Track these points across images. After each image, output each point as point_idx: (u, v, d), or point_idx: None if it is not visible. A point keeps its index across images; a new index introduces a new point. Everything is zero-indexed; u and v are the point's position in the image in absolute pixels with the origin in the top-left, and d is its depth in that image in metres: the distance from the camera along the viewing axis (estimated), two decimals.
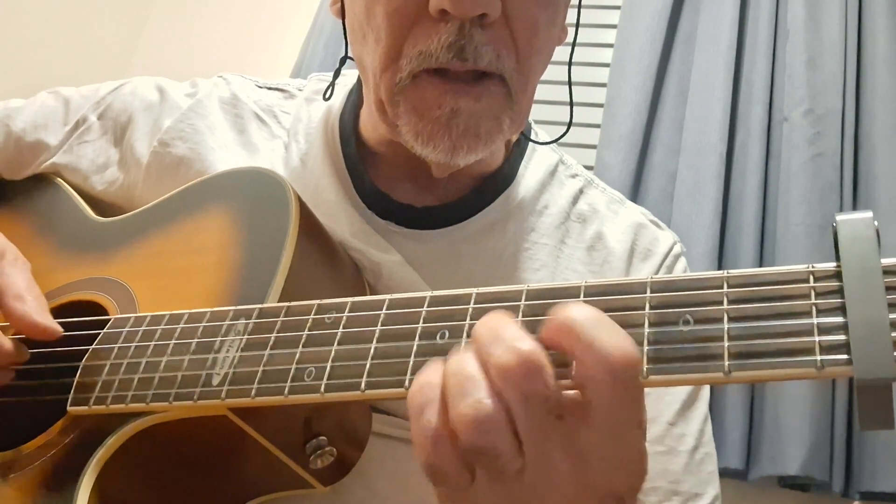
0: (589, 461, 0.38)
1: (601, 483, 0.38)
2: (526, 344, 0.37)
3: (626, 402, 0.37)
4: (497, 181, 0.71)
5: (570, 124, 0.72)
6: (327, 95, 0.73)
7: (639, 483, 0.40)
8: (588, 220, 0.73)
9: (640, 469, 0.40)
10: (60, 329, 0.59)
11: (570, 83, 0.72)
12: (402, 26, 0.59)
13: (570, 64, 0.73)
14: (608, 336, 0.37)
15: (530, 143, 0.75)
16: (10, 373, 0.59)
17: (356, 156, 0.70)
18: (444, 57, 0.57)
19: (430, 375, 0.40)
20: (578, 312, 0.37)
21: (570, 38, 0.72)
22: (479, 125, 0.60)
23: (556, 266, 0.70)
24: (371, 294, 0.64)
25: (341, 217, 0.67)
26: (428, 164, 0.67)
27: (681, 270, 0.74)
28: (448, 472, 0.38)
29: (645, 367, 0.38)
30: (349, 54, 0.69)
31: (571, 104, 0.72)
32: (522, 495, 0.38)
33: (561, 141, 0.76)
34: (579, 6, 0.71)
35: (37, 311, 0.58)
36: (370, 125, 0.70)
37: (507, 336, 0.38)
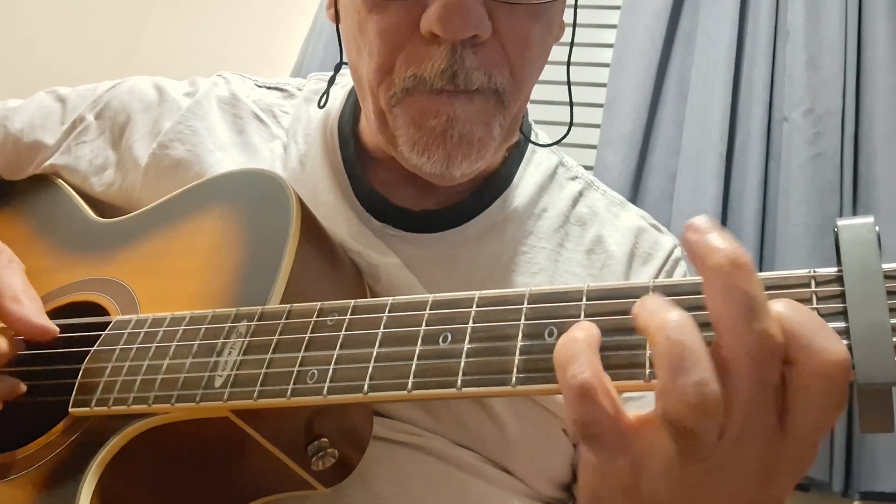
0: (776, 465, 0.36)
1: (776, 489, 0.37)
2: (775, 326, 0.34)
3: (830, 416, 0.35)
4: (495, 184, 0.70)
5: (570, 125, 0.72)
6: (322, 103, 0.73)
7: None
8: (588, 224, 0.73)
9: (803, 474, 0.38)
10: (57, 329, 0.59)
11: (569, 85, 0.72)
12: (394, 44, 0.59)
13: (568, 65, 0.73)
14: (829, 340, 0.35)
15: (529, 145, 0.75)
16: (15, 381, 0.58)
17: (355, 158, 0.70)
18: (438, 83, 0.58)
19: (575, 331, 0.39)
20: (795, 311, 0.35)
21: (567, 38, 0.72)
22: (473, 132, 0.60)
23: (555, 270, 0.69)
24: (371, 296, 0.64)
25: (339, 220, 0.67)
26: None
27: (681, 274, 0.74)
28: (601, 427, 0.36)
29: (647, 370, 0.38)
30: (344, 60, 0.69)
31: (571, 105, 0.72)
32: (696, 479, 0.37)
33: (561, 141, 0.76)
34: (575, 6, 0.70)
35: (34, 313, 0.59)
36: (370, 130, 0.70)
37: (755, 313, 0.34)
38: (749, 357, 0.34)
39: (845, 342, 0.36)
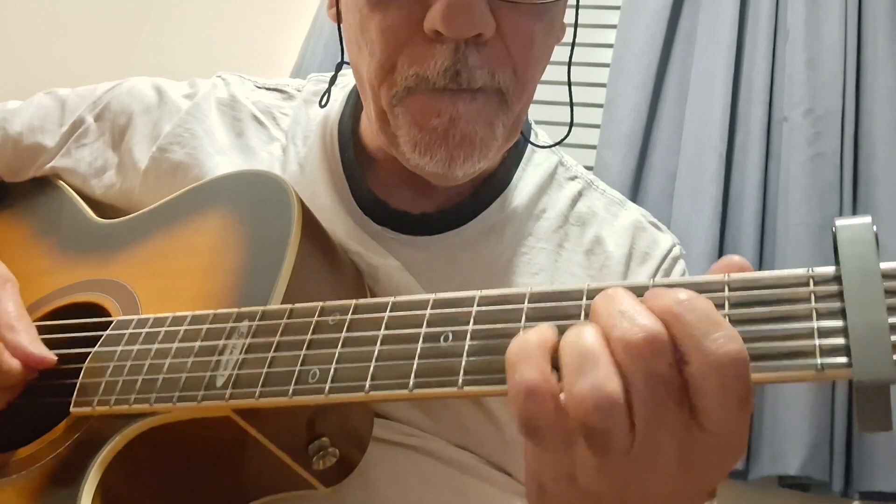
0: (696, 455, 0.38)
1: (702, 479, 0.39)
2: (652, 320, 0.36)
3: (734, 410, 0.36)
4: (493, 185, 0.70)
5: (570, 126, 0.72)
6: (323, 102, 0.72)
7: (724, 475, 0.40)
8: (587, 224, 0.73)
9: (732, 463, 0.40)
10: (54, 358, 0.58)
11: (569, 85, 0.72)
12: (396, 43, 0.58)
13: (569, 65, 0.73)
14: (722, 337, 0.36)
15: (529, 146, 0.74)
16: (18, 389, 0.58)
17: (354, 161, 0.70)
18: (441, 82, 0.57)
19: (529, 333, 0.40)
20: (689, 307, 0.36)
21: (569, 39, 0.71)
22: (475, 132, 0.59)
23: (555, 270, 0.69)
24: (371, 297, 0.64)
25: (336, 223, 0.66)
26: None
27: (679, 273, 0.73)
28: (544, 425, 0.38)
29: None
30: (345, 59, 0.69)
31: (571, 105, 0.72)
32: (624, 472, 0.38)
33: (561, 142, 0.76)
34: (577, 6, 0.70)
35: (29, 342, 0.58)
36: (370, 131, 0.70)
37: (632, 311, 0.37)
38: (631, 351, 0.36)
39: (843, 341, 0.36)
